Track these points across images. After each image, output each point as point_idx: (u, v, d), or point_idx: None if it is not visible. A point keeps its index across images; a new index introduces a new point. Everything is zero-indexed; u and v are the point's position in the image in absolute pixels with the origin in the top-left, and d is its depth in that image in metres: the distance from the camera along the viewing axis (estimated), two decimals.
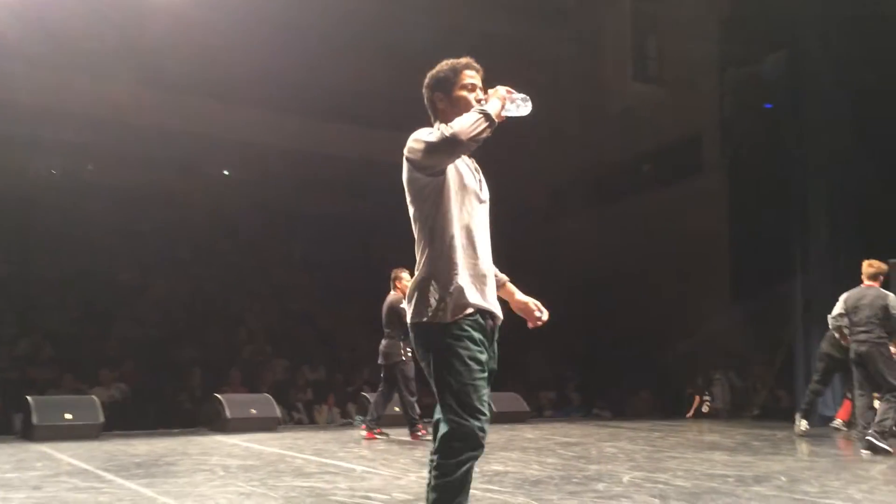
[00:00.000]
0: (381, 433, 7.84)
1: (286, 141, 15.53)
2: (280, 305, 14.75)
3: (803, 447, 7.77)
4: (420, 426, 7.72)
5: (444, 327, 2.67)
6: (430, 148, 2.64)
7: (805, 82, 11.73)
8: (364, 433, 7.83)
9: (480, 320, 2.74)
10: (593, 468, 5.80)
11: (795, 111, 11.85)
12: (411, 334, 2.76)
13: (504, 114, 2.78)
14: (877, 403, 7.69)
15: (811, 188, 11.48)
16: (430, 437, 6.79)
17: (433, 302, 2.68)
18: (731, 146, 14.01)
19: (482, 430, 2.68)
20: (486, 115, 2.68)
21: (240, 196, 16.10)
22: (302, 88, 14.65)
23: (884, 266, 7.70)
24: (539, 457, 6.43)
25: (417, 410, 7.78)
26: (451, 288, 2.69)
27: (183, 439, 7.72)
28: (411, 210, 2.81)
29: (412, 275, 2.81)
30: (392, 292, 7.84)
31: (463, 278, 2.72)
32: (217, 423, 8.50)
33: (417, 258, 2.78)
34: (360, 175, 15.83)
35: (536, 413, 12.65)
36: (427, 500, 2.66)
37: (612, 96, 16.73)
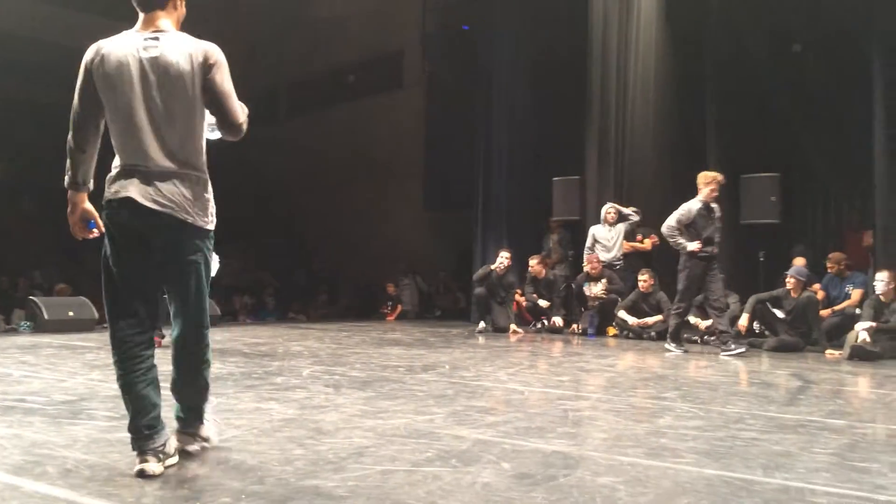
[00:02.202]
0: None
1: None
2: None
3: (474, 341, 8.68)
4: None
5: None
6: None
7: (497, 11, 12.53)
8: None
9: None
10: (276, 364, 5.95)
11: (488, 35, 12.66)
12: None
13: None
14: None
15: (493, 114, 12.46)
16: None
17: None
18: (430, 63, 14.58)
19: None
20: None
21: None
22: None
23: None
24: (223, 357, 6.41)
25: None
26: None
27: None
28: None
29: None
30: None
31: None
32: None
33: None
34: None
35: (231, 317, 12.54)
36: None
37: (322, 3, 16.48)
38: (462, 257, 13.70)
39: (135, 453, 2.67)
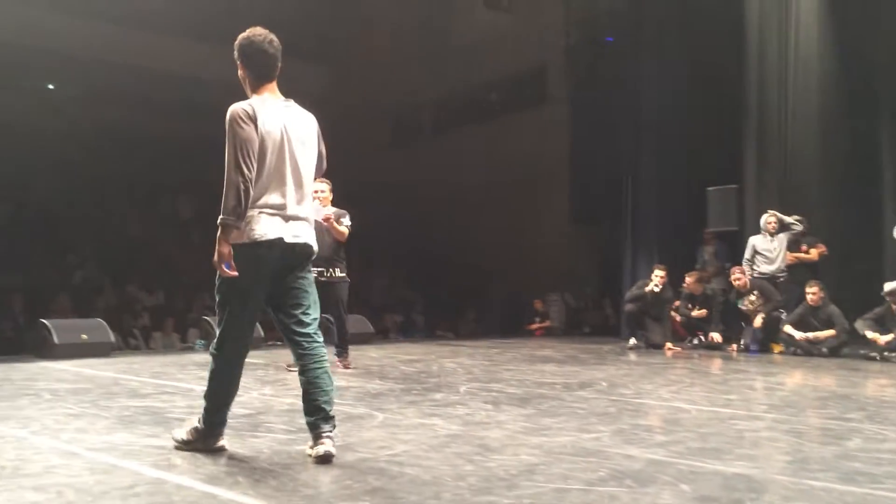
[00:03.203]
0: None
1: (116, 55, 14.38)
2: (113, 230, 13.96)
3: (626, 358, 8.45)
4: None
5: None
6: None
7: (642, 20, 12.26)
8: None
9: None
10: (433, 381, 6.04)
11: (634, 46, 12.40)
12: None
13: None
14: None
15: (642, 124, 12.15)
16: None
17: None
18: (574, 77, 14.46)
19: None
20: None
21: (66, 113, 14.83)
22: None
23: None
24: (381, 373, 6.59)
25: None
26: None
27: (4, 366, 7.24)
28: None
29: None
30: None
31: None
32: (43, 350, 7.99)
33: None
34: (195, 94, 15.03)
35: (382, 335, 12.90)
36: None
37: (463, 24, 16.77)
38: (610, 271, 13.41)
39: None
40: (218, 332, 3.26)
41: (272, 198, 3.19)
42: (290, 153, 3.24)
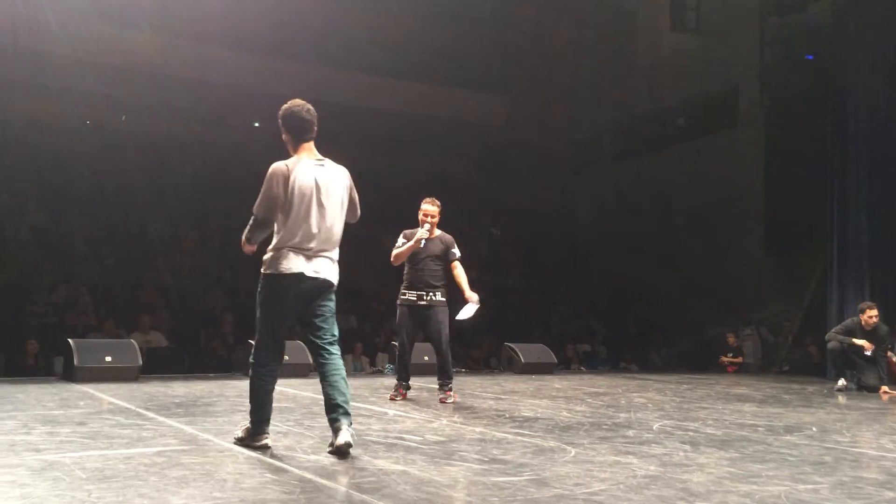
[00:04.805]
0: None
1: (312, 92, 15.43)
2: None
3: (835, 401, 7.75)
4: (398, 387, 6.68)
5: None
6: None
7: (849, 33, 11.38)
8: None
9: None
10: (623, 416, 5.83)
11: (838, 63, 11.52)
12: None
13: None
14: None
15: (849, 144, 11.21)
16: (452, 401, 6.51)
17: None
18: (769, 98, 13.67)
19: None
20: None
21: (269, 147, 16.11)
22: (327, 38, 14.58)
23: None
24: (568, 405, 6.48)
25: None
26: None
27: (219, 383, 7.89)
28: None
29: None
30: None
31: None
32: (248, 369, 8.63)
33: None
34: (382, 126, 15.79)
35: (564, 365, 12.72)
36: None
37: (647, 46, 16.41)
38: (812, 305, 12.42)
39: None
40: (255, 343, 4.04)
41: (298, 239, 3.86)
42: (318, 202, 3.89)
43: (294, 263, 3.87)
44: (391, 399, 6.53)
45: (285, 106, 4.03)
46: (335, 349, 4.00)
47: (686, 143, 15.86)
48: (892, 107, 10.81)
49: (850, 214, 11.16)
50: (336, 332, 4.06)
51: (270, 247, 3.96)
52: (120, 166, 14.34)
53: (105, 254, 12.93)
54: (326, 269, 3.98)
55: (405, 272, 6.57)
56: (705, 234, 15.05)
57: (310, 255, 3.90)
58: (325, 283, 3.98)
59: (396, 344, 6.71)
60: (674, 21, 16.13)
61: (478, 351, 12.88)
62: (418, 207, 6.63)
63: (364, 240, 16.26)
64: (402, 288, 6.58)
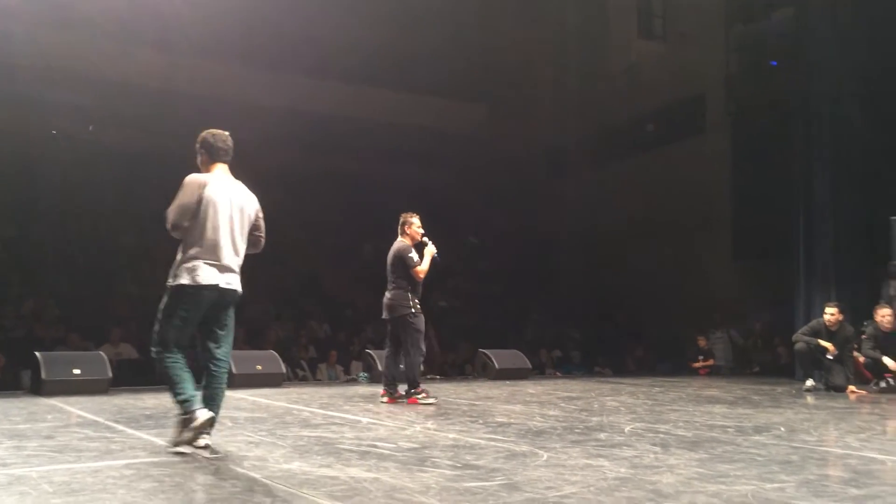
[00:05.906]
0: (400, 396, 7.00)
1: (287, 101, 15.41)
2: (282, 265, 14.79)
3: (804, 401, 7.87)
4: (420, 388, 6.90)
5: None
6: None
7: (811, 40, 11.60)
8: (384, 399, 6.98)
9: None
10: (595, 419, 5.88)
11: (803, 70, 11.73)
12: None
13: None
14: None
15: (814, 148, 11.41)
16: (430, 401, 6.82)
17: None
18: (735, 105, 13.89)
19: None
20: None
21: (241, 158, 16.01)
22: (302, 46, 14.55)
23: None
24: (542, 409, 6.51)
25: (421, 369, 7.08)
26: None
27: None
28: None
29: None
30: (399, 238, 7.07)
31: None
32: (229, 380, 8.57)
33: None
34: (358, 135, 15.78)
35: (538, 371, 12.78)
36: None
37: (617, 54, 16.59)
38: (780, 308, 12.60)
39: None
40: (158, 335, 4.16)
41: (211, 251, 4.09)
42: (230, 217, 4.15)
43: (210, 275, 4.08)
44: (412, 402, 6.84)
45: (205, 132, 4.33)
46: (226, 360, 4.24)
47: (656, 150, 16.04)
48: (857, 113, 11.01)
49: (815, 220, 11.35)
50: (231, 342, 4.30)
51: (181, 258, 4.12)
52: (88, 177, 14.16)
53: (74, 265, 12.76)
54: (235, 281, 4.22)
55: (409, 284, 6.94)
56: (675, 239, 15.24)
57: (221, 267, 4.13)
58: (235, 295, 4.21)
59: (422, 349, 7.04)
60: (641, 28, 16.34)
61: (454, 356, 12.91)
62: (396, 218, 6.95)
63: (340, 248, 16.27)
64: (412, 297, 6.94)
